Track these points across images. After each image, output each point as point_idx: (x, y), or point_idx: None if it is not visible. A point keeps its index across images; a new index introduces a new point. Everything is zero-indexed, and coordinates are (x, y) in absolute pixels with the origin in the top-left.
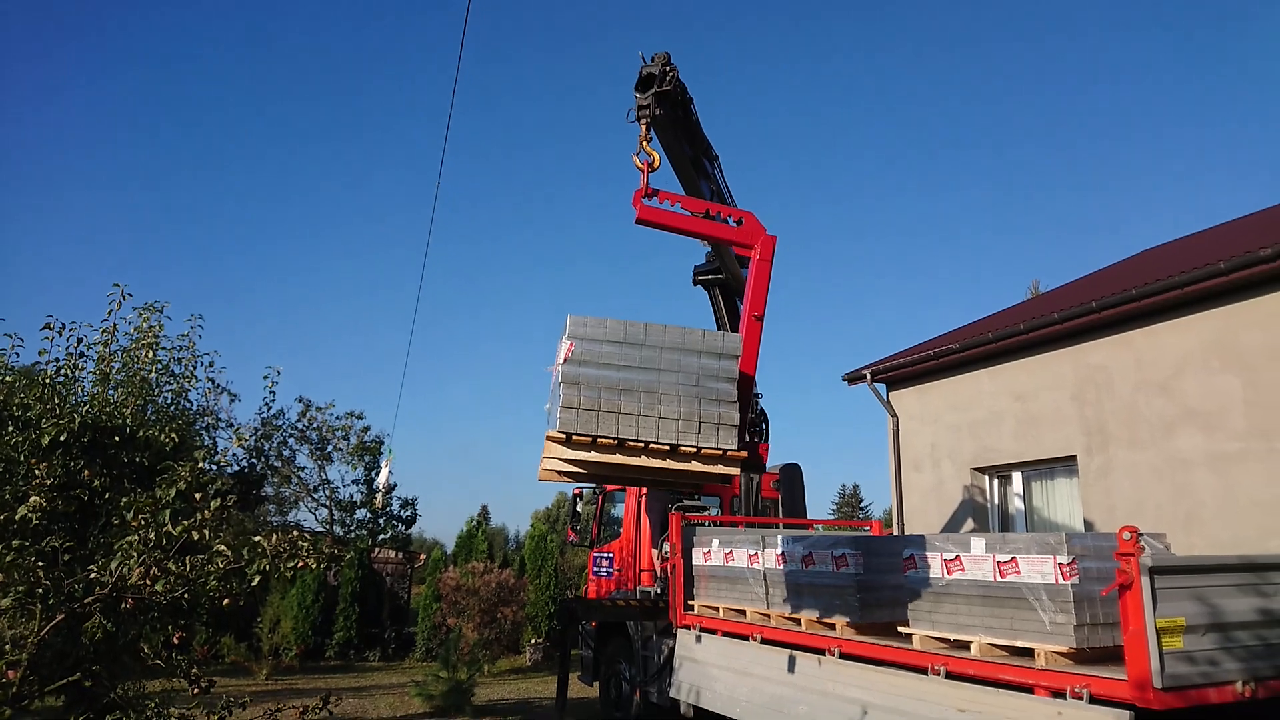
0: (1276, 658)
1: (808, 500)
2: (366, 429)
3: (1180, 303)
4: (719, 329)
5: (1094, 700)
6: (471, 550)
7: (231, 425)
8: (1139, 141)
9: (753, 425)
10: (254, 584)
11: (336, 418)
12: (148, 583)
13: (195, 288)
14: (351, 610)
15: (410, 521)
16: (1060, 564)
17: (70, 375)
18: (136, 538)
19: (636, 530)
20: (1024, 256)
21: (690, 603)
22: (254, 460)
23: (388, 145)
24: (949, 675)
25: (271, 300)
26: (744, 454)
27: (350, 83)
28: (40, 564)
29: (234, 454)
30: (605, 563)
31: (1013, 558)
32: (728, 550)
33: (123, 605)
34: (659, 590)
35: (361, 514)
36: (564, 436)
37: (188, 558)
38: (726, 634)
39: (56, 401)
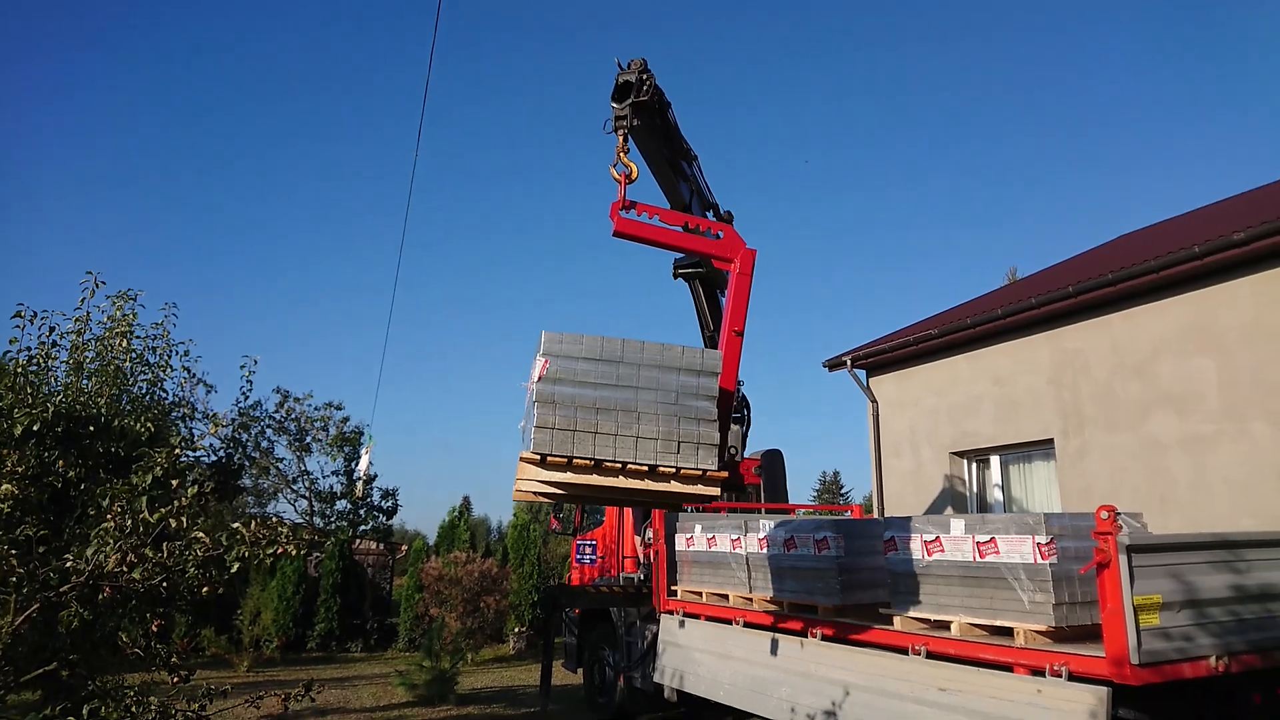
0: (1249, 633)
1: (789, 486)
2: (346, 420)
3: (1156, 287)
4: (700, 322)
5: (1073, 677)
6: (454, 540)
7: (209, 416)
8: (1117, 129)
9: (735, 413)
10: (233, 571)
11: (315, 408)
12: (124, 569)
13: (168, 278)
14: (333, 601)
15: (391, 512)
16: (1039, 544)
17: (42, 365)
18: (112, 524)
19: (619, 517)
20: (1002, 245)
21: (673, 588)
22: (231, 450)
23: (365, 132)
24: (930, 655)
25: (248, 292)
26: (724, 474)
27: (328, 71)
28: (13, 553)
29: (211, 443)
30: (588, 550)
31: (992, 538)
32: (710, 535)
33: (100, 595)
34: (642, 576)
35: (342, 505)
36: (538, 457)
37: (165, 544)
38: (709, 618)
39: (29, 391)
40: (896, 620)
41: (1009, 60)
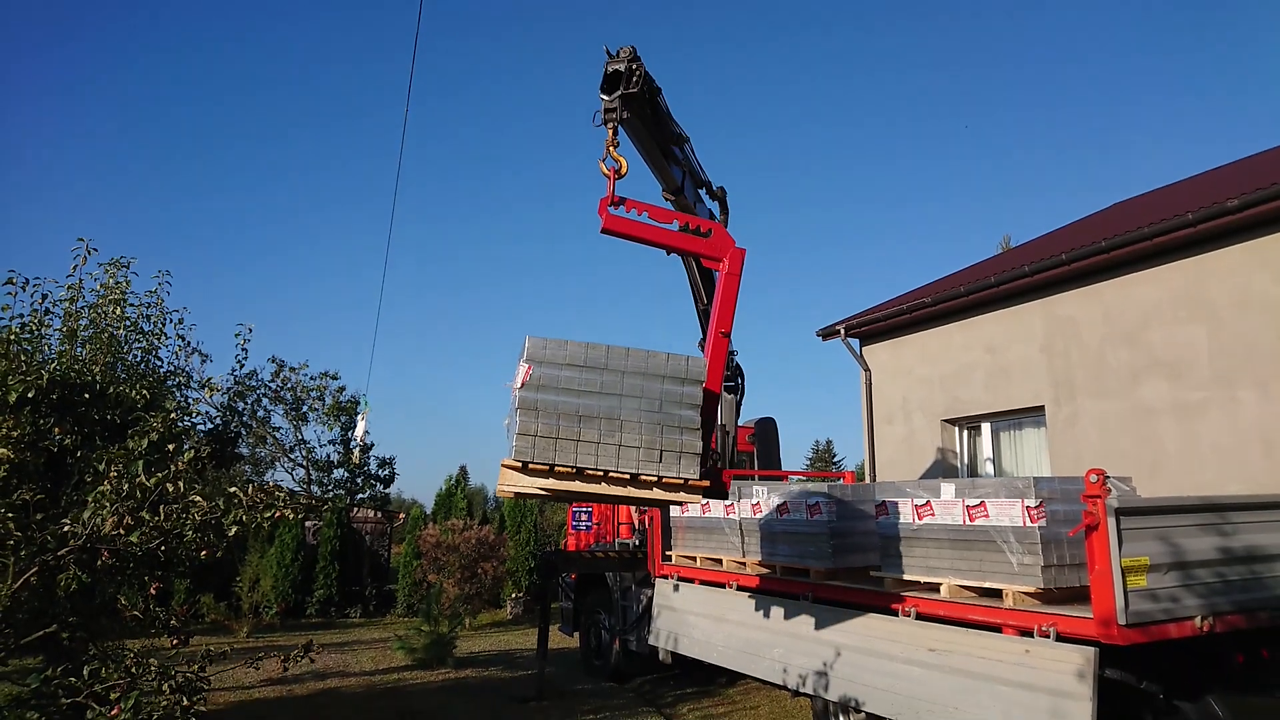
0: (1234, 594)
1: (782, 454)
2: (342, 389)
3: (1149, 254)
4: (694, 295)
5: (1060, 638)
6: (451, 508)
7: (204, 382)
8: (1114, 97)
9: (728, 380)
10: (231, 535)
11: (311, 378)
12: (121, 533)
13: (159, 249)
14: (331, 568)
15: (388, 481)
16: (1028, 507)
17: (36, 332)
18: (109, 488)
19: None
20: (996, 213)
21: (668, 553)
22: (228, 418)
23: (357, 100)
24: (919, 617)
25: (242, 264)
26: (706, 483)
27: (320, 40)
28: (10, 516)
29: (207, 410)
30: (584, 517)
31: (981, 502)
32: (704, 502)
33: (99, 560)
34: (637, 542)
35: (339, 473)
36: (520, 464)
37: (162, 508)
38: (703, 582)
39: (23, 359)
40: (887, 583)
41: (1004, 28)
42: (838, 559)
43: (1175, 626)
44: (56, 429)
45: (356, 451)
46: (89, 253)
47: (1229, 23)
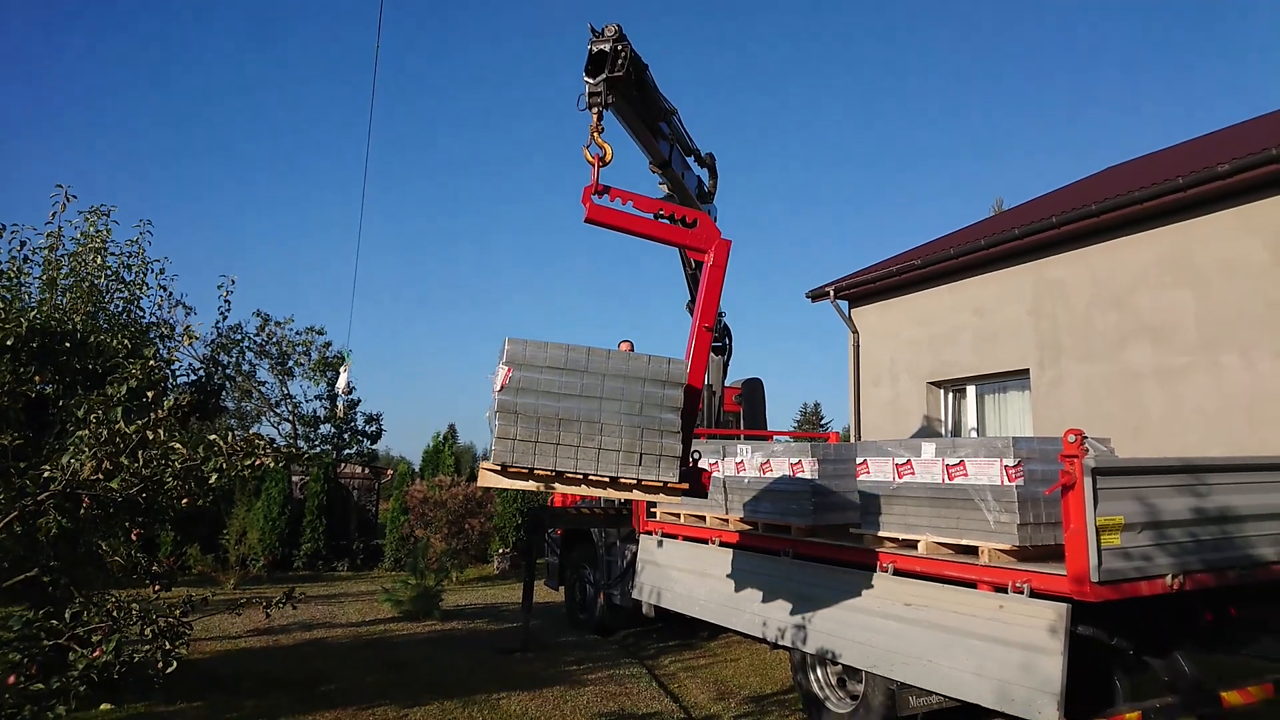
0: (1205, 553)
1: (770, 415)
2: (328, 344)
3: (1139, 218)
4: (682, 260)
5: (1034, 594)
6: (439, 465)
7: (185, 331)
8: (1109, 61)
9: (715, 341)
10: (212, 483)
11: (296, 333)
12: (101, 477)
13: (141, 199)
14: (318, 522)
15: (375, 437)
16: (1006, 466)
17: (14, 280)
18: (88, 433)
19: None
20: (990, 176)
21: (652, 510)
22: (211, 370)
23: (330, 47)
24: (897, 572)
25: (224, 218)
26: (685, 485)
27: None
28: None
29: (190, 362)
30: None
31: (961, 461)
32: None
33: (82, 508)
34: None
35: (326, 429)
36: (499, 467)
37: (141, 454)
38: (686, 539)
39: (2, 307)
40: (866, 539)
41: None
42: (818, 516)
43: (1147, 584)
44: (37, 377)
45: (342, 405)
46: (68, 199)
47: None
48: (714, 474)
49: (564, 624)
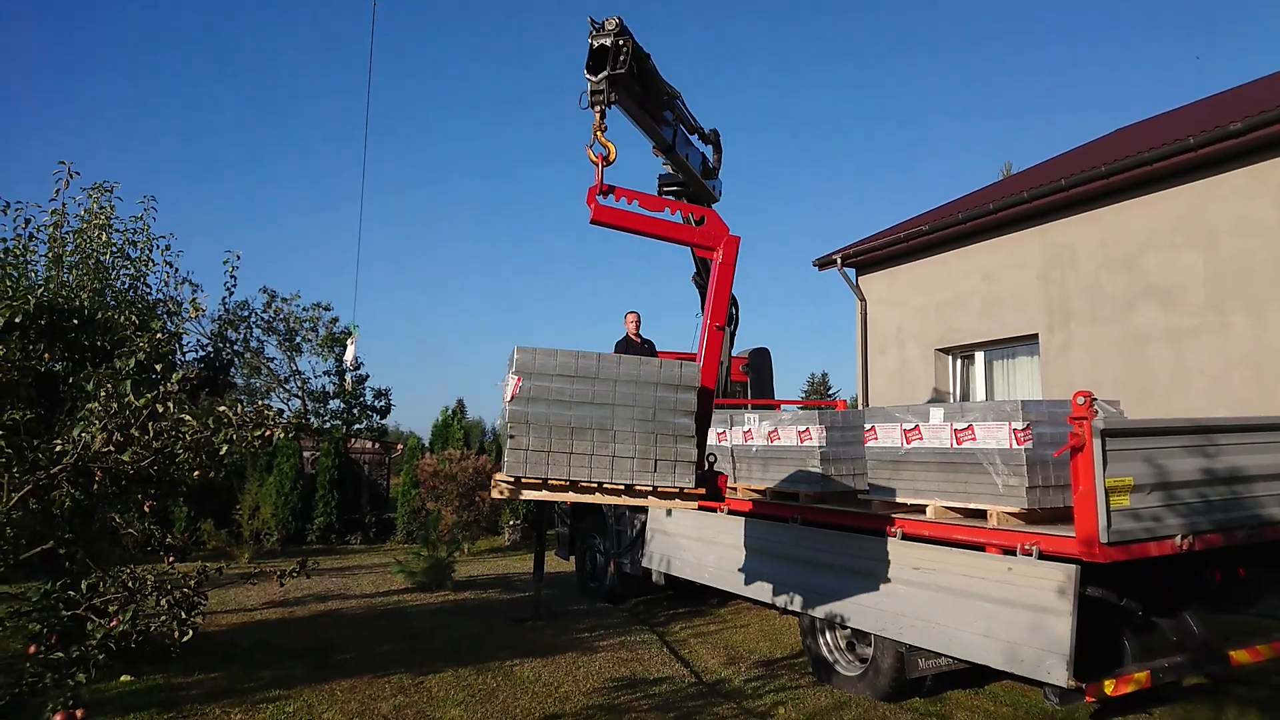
0: (1214, 513)
1: (777, 386)
2: (335, 320)
3: (1149, 179)
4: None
5: (1043, 556)
6: (448, 438)
7: (191, 302)
8: (1118, 22)
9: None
10: (223, 454)
11: (303, 309)
12: (112, 449)
13: (141, 177)
14: (330, 497)
15: (385, 412)
16: (1015, 430)
17: (20, 257)
18: (98, 405)
19: None
20: (999, 142)
21: None
22: (220, 345)
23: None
24: (905, 537)
25: (229, 194)
26: (702, 490)
27: None
28: (1, 434)
29: (198, 339)
30: None
31: (969, 425)
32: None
33: (94, 481)
34: None
35: (335, 404)
36: (513, 480)
37: (151, 425)
38: (696, 507)
39: (8, 284)
40: (874, 505)
41: None
42: (826, 483)
43: (1156, 545)
44: (46, 354)
45: (350, 379)
46: (71, 176)
47: None
48: (721, 443)
49: (575, 593)
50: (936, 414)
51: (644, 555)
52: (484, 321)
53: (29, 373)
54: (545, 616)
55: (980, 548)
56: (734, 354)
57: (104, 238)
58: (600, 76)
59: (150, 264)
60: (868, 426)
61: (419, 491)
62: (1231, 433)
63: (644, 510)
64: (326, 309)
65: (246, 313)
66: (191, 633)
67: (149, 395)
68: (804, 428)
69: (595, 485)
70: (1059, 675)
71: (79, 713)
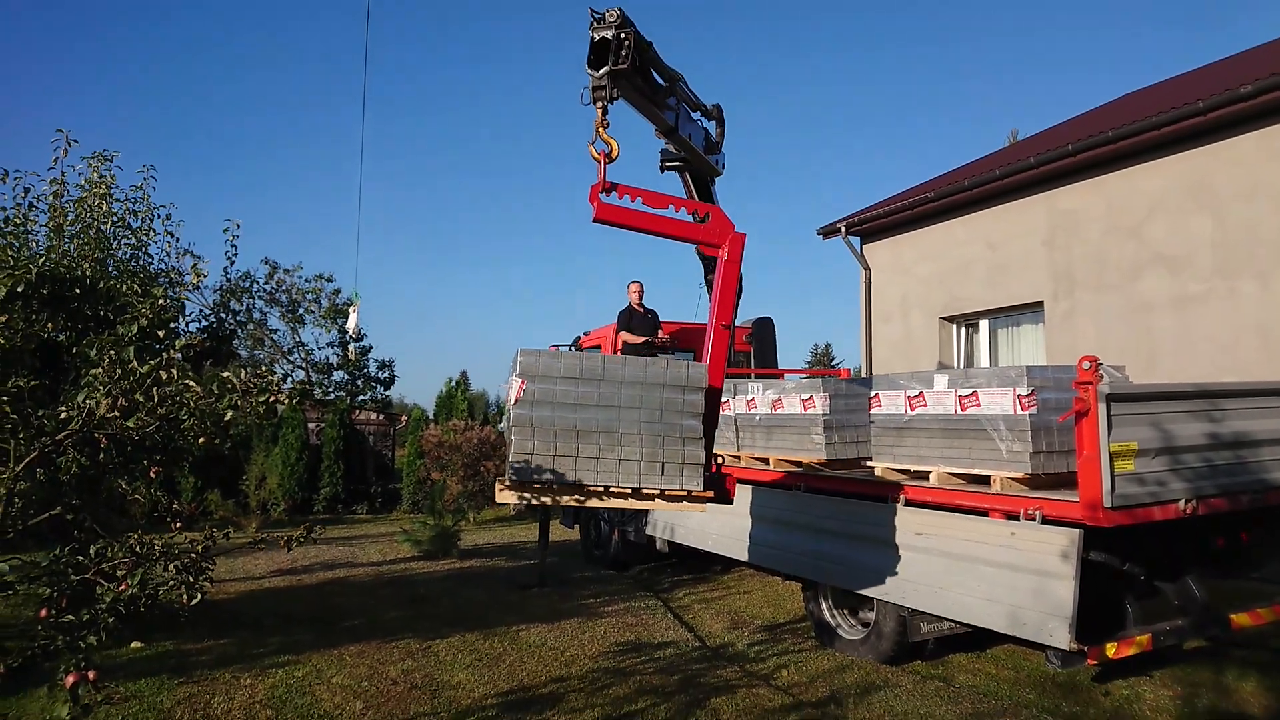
0: (1219, 478)
1: (780, 356)
2: (337, 291)
3: (1157, 144)
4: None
5: (1046, 521)
6: (452, 409)
7: (193, 269)
8: None
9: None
10: (228, 420)
11: (306, 280)
12: (118, 415)
13: (138, 147)
14: (336, 467)
15: (388, 383)
16: (1020, 395)
17: (20, 227)
18: (102, 371)
19: None
20: (1004, 108)
21: None
22: (222, 315)
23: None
24: (908, 503)
25: (228, 166)
26: (710, 494)
27: None
28: (6, 400)
29: (200, 309)
30: None
31: (973, 391)
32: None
33: (100, 449)
34: None
35: (339, 376)
36: (519, 484)
37: (156, 391)
38: None
39: (9, 253)
40: (878, 471)
41: None
42: (830, 450)
43: (1160, 509)
44: (49, 324)
45: (353, 349)
46: (69, 145)
47: None
48: (725, 412)
49: (580, 561)
50: (941, 380)
51: (648, 523)
52: (487, 293)
53: (32, 339)
54: (550, 583)
55: (983, 513)
56: (738, 324)
57: (104, 207)
58: (602, 72)
59: (151, 234)
60: (872, 394)
61: (424, 462)
62: (1237, 397)
63: None
64: (329, 280)
65: (249, 284)
66: (200, 596)
67: (153, 362)
68: (808, 396)
69: (602, 489)
70: (1061, 638)
71: (91, 674)
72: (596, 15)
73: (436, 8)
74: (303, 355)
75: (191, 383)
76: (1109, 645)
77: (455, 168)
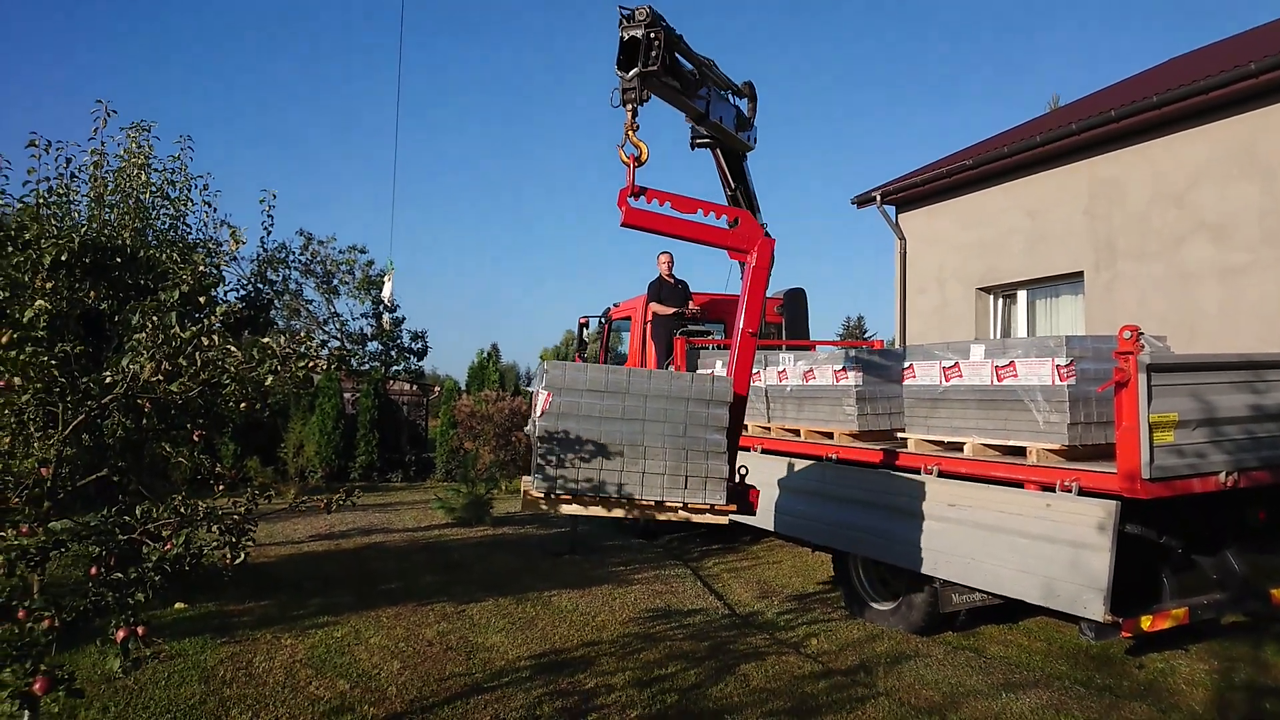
0: (1262, 450)
1: (812, 328)
2: (370, 263)
3: (1204, 110)
4: (722, 182)
5: (1083, 492)
6: (484, 380)
7: (231, 235)
8: None
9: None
10: (268, 384)
11: (340, 252)
12: (161, 379)
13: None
14: (371, 436)
15: (422, 354)
16: (1058, 365)
17: (63, 196)
18: (145, 336)
19: (642, 356)
20: (1046, 74)
21: None
22: (260, 285)
23: None
24: (941, 474)
25: (258, 137)
26: (733, 507)
27: None
28: (55, 364)
29: (236, 278)
30: None
31: (1011, 362)
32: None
33: (143, 414)
34: None
35: (373, 346)
36: (545, 494)
37: (198, 355)
38: None
39: (53, 222)
40: (911, 443)
41: None
42: (863, 421)
43: (1200, 481)
44: (91, 292)
45: (388, 319)
46: (108, 115)
47: None
48: (755, 383)
49: (610, 529)
50: (977, 350)
51: None
52: (517, 266)
53: (77, 305)
54: (581, 551)
55: (1019, 484)
56: (769, 295)
57: (143, 177)
58: (632, 74)
59: (189, 204)
60: (906, 365)
61: (456, 432)
62: None
63: None
64: (362, 251)
65: (284, 254)
66: (244, 556)
67: (194, 328)
68: (840, 367)
69: (626, 500)
70: (1096, 610)
71: (140, 629)
72: (625, 12)
73: None
74: (338, 326)
75: (233, 348)
76: (1144, 618)
77: (488, 140)
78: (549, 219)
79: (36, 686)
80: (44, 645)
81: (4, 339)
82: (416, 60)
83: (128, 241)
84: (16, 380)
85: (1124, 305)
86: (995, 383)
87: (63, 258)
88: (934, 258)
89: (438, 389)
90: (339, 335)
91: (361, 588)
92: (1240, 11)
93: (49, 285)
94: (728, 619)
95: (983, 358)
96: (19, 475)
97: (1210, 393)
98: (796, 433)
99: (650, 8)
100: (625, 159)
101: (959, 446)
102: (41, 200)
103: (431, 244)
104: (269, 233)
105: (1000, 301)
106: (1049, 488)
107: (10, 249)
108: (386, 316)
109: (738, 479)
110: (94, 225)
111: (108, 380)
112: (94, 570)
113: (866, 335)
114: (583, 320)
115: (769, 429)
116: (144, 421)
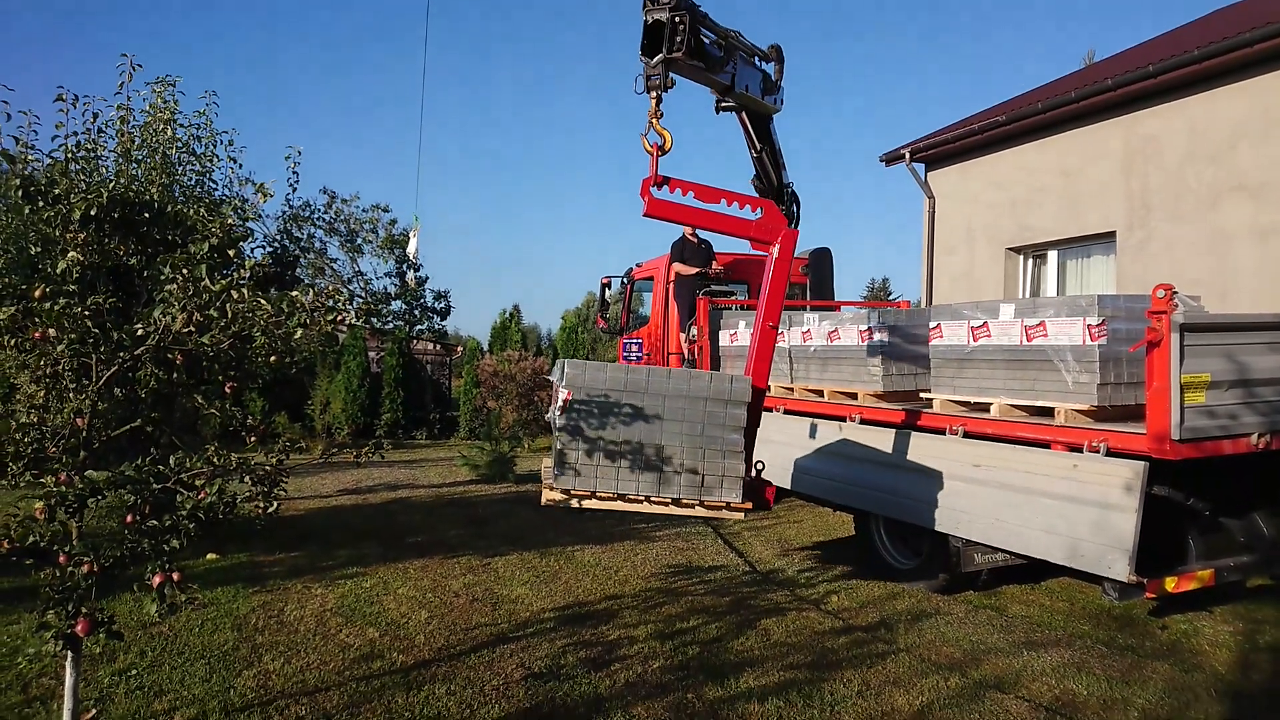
0: None
1: (837, 290)
2: (393, 222)
3: (1246, 64)
4: (748, 143)
5: (1111, 453)
6: (506, 340)
7: (259, 189)
8: None
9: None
10: (297, 337)
11: (363, 210)
12: (192, 331)
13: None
14: (396, 394)
15: (445, 313)
16: (1089, 325)
17: (91, 151)
18: (175, 288)
19: (665, 316)
20: (1081, 30)
21: None
22: (286, 243)
23: None
24: (967, 435)
25: (286, 95)
26: (749, 505)
27: None
28: (88, 316)
29: (262, 235)
30: (634, 348)
31: (1041, 321)
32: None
33: (174, 368)
34: None
35: (397, 305)
36: (563, 491)
37: (229, 307)
38: None
39: (82, 177)
40: (936, 403)
41: None
42: (887, 382)
43: (1230, 443)
44: (120, 247)
45: (411, 277)
46: (134, 69)
47: None
48: (778, 344)
49: None
50: (1007, 310)
51: None
52: (539, 226)
53: (109, 257)
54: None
55: (1045, 445)
56: (795, 255)
57: (169, 133)
58: (656, 60)
59: (215, 159)
60: (933, 325)
61: (480, 391)
62: None
63: None
64: (385, 210)
65: (309, 212)
66: (276, 506)
67: (224, 281)
68: (865, 327)
69: (643, 499)
70: (1120, 570)
71: (176, 575)
72: None
73: None
74: (362, 285)
75: (263, 301)
76: (1168, 579)
77: (512, 101)
78: (571, 176)
79: (79, 628)
80: (84, 589)
81: (38, 292)
82: (446, 17)
83: (155, 197)
84: (51, 331)
85: (1156, 266)
86: (1025, 343)
87: (92, 212)
88: (963, 217)
89: (460, 349)
90: (363, 293)
91: (389, 540)
92: None
93: (80, 237)
94: (749, 575)
95: (1013, 317)
96: (56, 427)
97: (1244, 353)
98: (820, 393)
99: None
100: (648, 147)
101: (985, 407)
102: (70, 155)
103: (454, 205)
104: (294, 189)
105: (1030, 262)
106: (1076, 448)
107: (41, 204)
108: (411, 274)
109: (756, 473)
110: (121, 180)
111: (139, 332)
112: (130, 518)
113: (891, 297)
114: (605, 281)
115: (792, 389)
116: (175, 374)
